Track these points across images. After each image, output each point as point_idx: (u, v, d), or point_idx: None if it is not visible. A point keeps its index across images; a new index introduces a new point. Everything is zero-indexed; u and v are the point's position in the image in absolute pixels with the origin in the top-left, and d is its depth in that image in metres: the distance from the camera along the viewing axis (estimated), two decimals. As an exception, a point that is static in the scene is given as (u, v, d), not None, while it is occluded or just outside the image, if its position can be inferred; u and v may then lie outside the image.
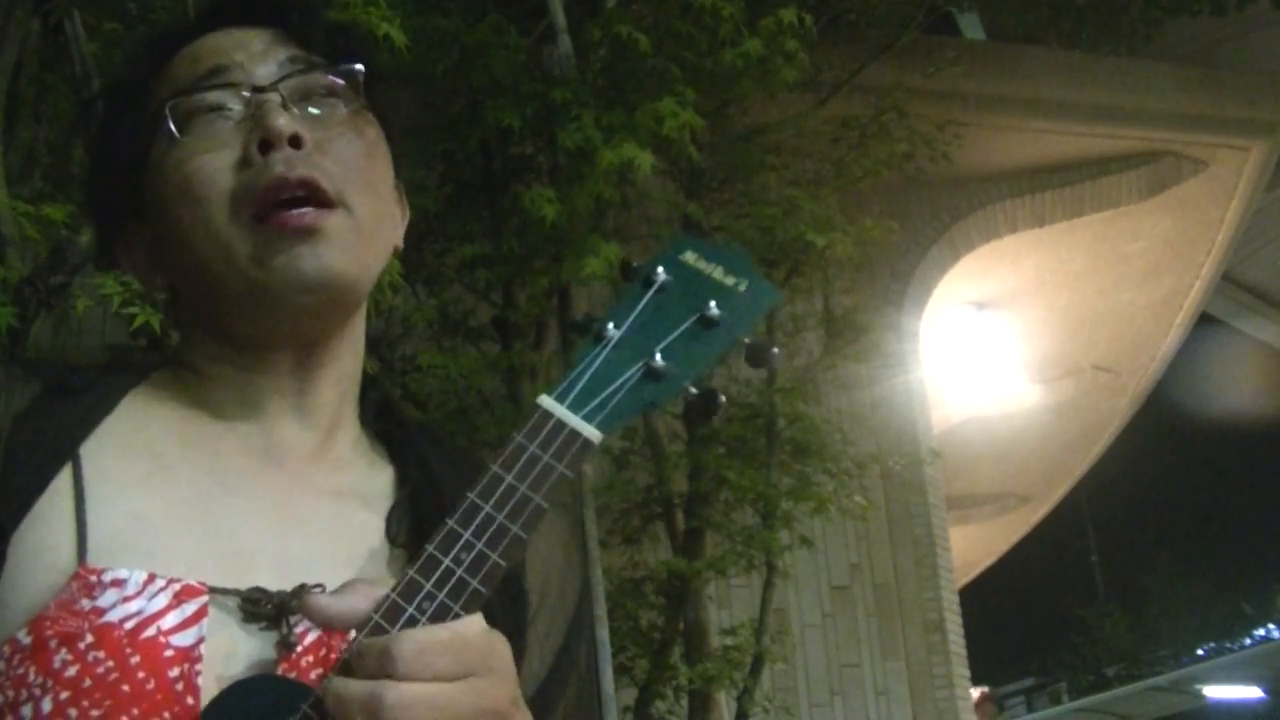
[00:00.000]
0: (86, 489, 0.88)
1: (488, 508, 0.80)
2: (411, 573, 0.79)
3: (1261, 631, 21.03)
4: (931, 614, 6.77)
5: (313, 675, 0.85)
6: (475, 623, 0.79)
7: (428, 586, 0.79)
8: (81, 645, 0.81)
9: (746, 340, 0.86)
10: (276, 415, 0.97)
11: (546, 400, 0.83)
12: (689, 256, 0.86)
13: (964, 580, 10.45)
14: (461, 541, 0.80)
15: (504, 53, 4.27)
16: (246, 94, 0.94)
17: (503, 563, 0.80)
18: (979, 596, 12.02)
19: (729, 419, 5.26)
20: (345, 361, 1.01)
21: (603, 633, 4.18)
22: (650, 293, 0.84)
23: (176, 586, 0.84)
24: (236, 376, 0.97)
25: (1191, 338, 10.05)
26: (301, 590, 0.87)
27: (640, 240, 5.24)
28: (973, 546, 11.52)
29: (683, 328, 0.83)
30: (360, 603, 0.80)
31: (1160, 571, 21.17)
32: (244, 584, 0.87)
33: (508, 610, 0.96)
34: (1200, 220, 8.34)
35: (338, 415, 1.00)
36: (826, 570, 6.64)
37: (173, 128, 0.94)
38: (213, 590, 0.85)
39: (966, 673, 6.90)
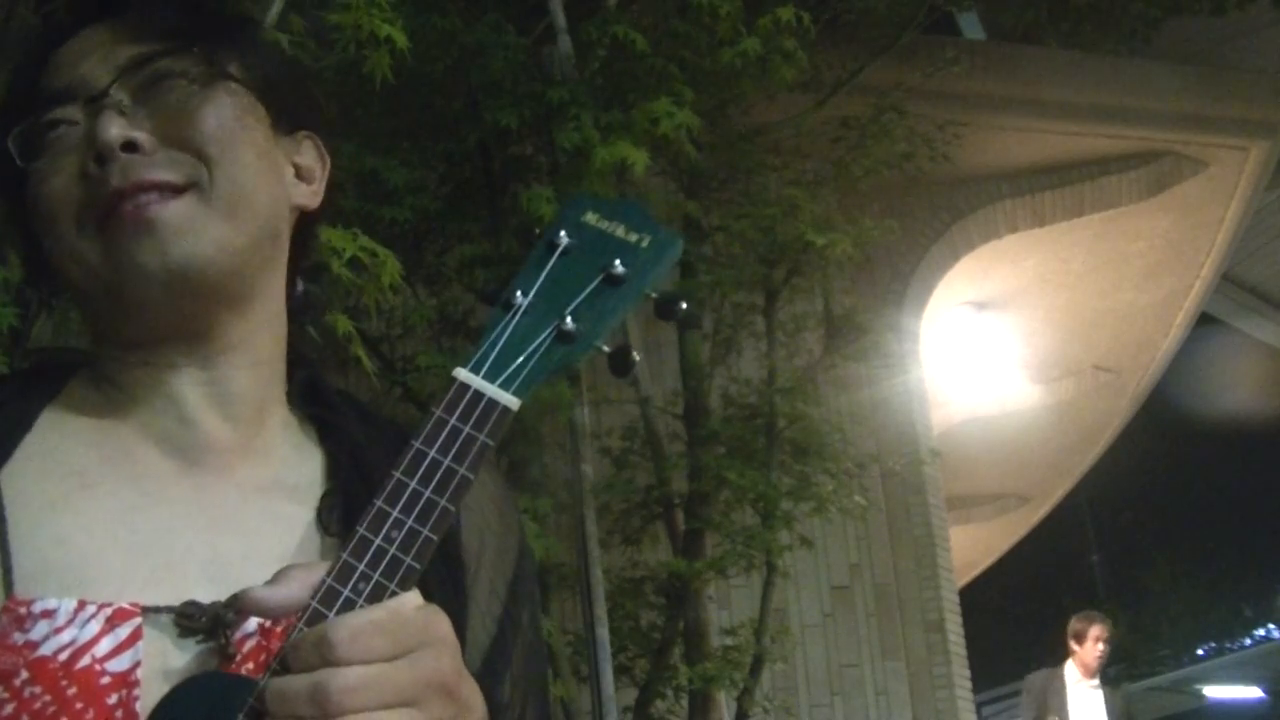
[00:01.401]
0: (8, 516, 0.86)
1: (414, 484, 0.80)
2: (344, 556, 0.79)
3: (1261, 632, 21.03)
4: (931, 614, 6.77)
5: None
6: (410, 599, 0.79)
7: (361, 567, 0.79)
8: (17, 682, 0.80)
9: (653, 295, 0.86)
10: (194, 410, 0.95)
11: (462, 373, 0.83)
12: (590, 217, 0.86)
13: (964, 580, 10.44)
14: (391, 519, 0.80)
15: (503, 53, 4.27)
16: (86, 102, 0.93)
17: (434, 537, 0.80)
18: (979, 596, 12.02)
19: (729, 419, 5.26)
20: (259, 346, 0.98)
21: (603, 633, 4.19)
22: (555, 256, 0.84)
23: (108, 611, 0.83)
24: (145, 375, 0.95)
25: (1191, 338, 10.05)
26: (235, 600, 0.86)
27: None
28: (973, 546, 11.51)
29: (590, 287, 0.83)
30: (296, 589, 0.80)
31: (1160, 571, 21.16)
32: (177, 597, 0.86)
33: (444, 580, 0.94)
34: (1200, 220, 8.34)
35: (261, 403, 0.98)
36: (826, 570, 6.64)
37: (17, 160, 0.93)
38: (145, 610, 0.84)
39: (966, 673, 6.90)
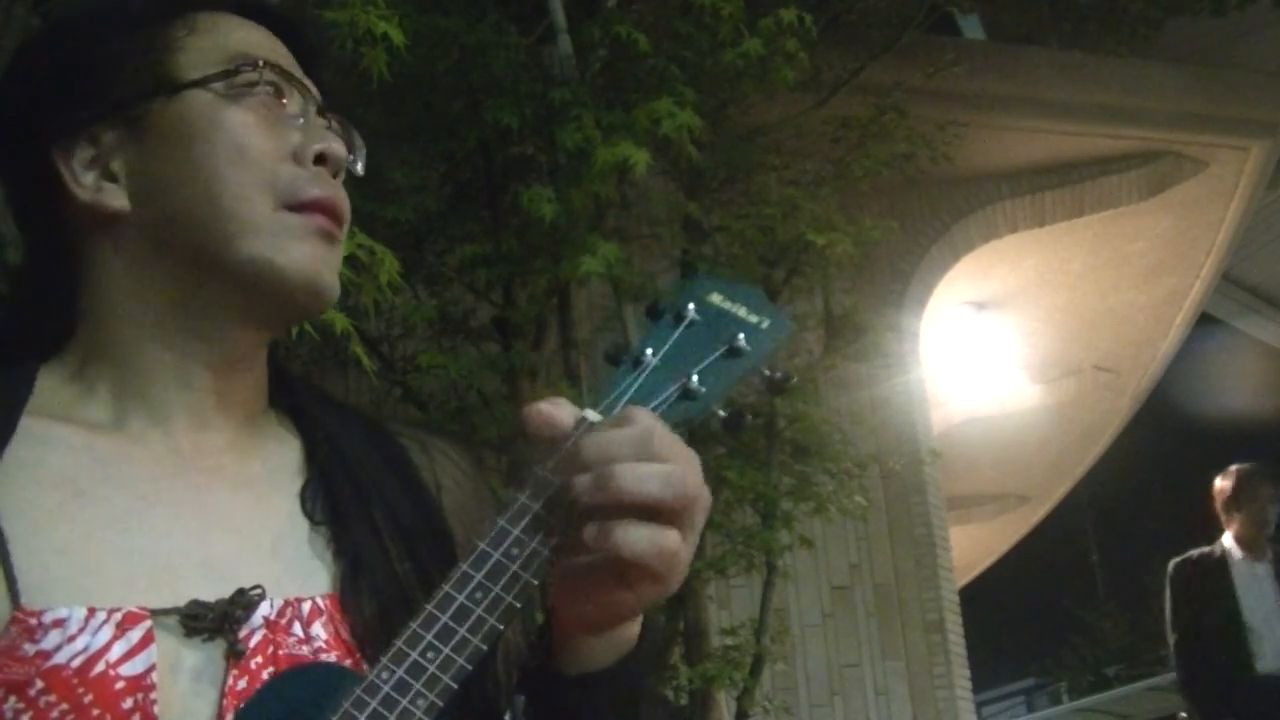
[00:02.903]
0: (5, 531, 0.85)
1: (537, 507, 0.86)
2: (464, 567, 0.84)
3: (1261, 631, 21.02)
4: (931, 614, 6.77)
5: (264, 675, 0.85)
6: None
7: (479, 578, 0.84)
8: (32, 692, 0.80)
9: (766, 372, 0.96)
10: (191, 413, 0.96)
11: (591, 414, 0.88)
12: (714, 297, 0.95)
13: (964, 580, 10.44)
14: (512, 538, 0.84)
15: (504, 53, 4.26)
16: (311, 101, 0.98)
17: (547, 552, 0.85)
18: (979, 596, 12.01)
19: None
20: (262, 359, 1.02)
21: (603, 633, 4.18)
22: (682, 326, 0.93)
23: (118, 615, 0.83)
24: (157, 360, 0.95)
25: (1191, 338, 10.05)
26: (239, 596, 0.87)
27: (640, 240, 5.24)
28: (973, 546, 11.51)
29: (714, 356, 0.92)
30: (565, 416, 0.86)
31: (1160, 571, 21.15)
32: (179, 598, 0.86)
33: (435, 553, 0.97)
34: (1200, 220, 8.34)
35: (251, 408, 1.01)
36: (826, 570, 6.64)
37: (243, 84, 0.94)
38: (154, 613, 0.85)
39: (966, 673, 6.90)
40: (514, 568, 0.83)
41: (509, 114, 4.20)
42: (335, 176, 0.96)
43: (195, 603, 0.86)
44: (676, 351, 0.91)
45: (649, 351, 0.91)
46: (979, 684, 7.46)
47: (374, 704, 0.78)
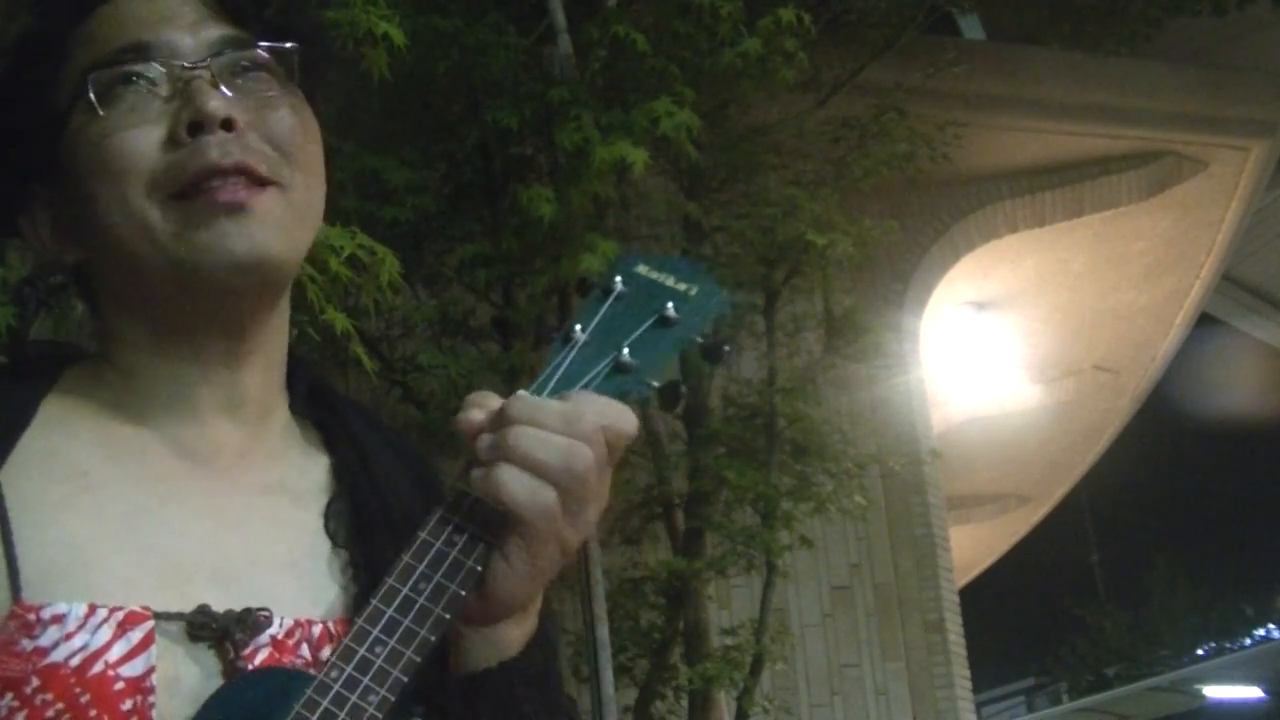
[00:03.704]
0: (11, 519, 0.84)
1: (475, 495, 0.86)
2: (406, 558, 0.84)
3: (1261, 631, 21.01)
4: (931, 614, 6.77)
5: None
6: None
7: (421, 567, 0.84)
8: (28, 690, 0.78)
9: (700, 339, 0.94)
10: (206, 410, 0.93)
11: (524, 394, 0.88)
12: (641, 269, 0.95)
13: (964, 580, 10.43)
14: (452, 525, 0.85)
15: (504, 53, 4.27)
16: (175, 69, 0.90)
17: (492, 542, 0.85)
18: (979, 596, 12.01)
19: (729, 419, 5.26)
20: (273, 348, 0.97)
21: (603, 633, 4.18)
22: (610, 299, 0.92)
23: (119, 615, 0.82)
24: (162, 367, 0.93)
25: (1191, 338, 10.05)
26: (247, 616, 0.85)
27: (640, 240, 5.24)
28: (973, 546, 11.50)
29: (644, 327, 0.91)
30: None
31: (1160, 571, 21.15)
32: (185, 600, 0.85)
33: (385, 547, 0.94)
34: (1200, 220, 8.34)
35: (268, 405, 0.97)
36: (826, 570, 6.64)
37: (94, 100, 0.88)
38: (157, 616, 0.83)
39: (966, 673, 6.89)
40: (454, 554, 0.83)
41: (508, 114, 4.21)
42: (228, 128, 0.88)
43: (202, 610, 0.84)
44: (606, 326, 0.91)
45: (578, 328, 0.91)
46: (979, 684, 7.46)
47: (325, 703, 0.77)
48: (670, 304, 0.92)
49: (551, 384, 0.89)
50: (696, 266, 0.96)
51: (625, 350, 0.89)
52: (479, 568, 0.84)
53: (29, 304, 1.03)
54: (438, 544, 0.84)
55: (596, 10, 4.51)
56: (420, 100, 4.56)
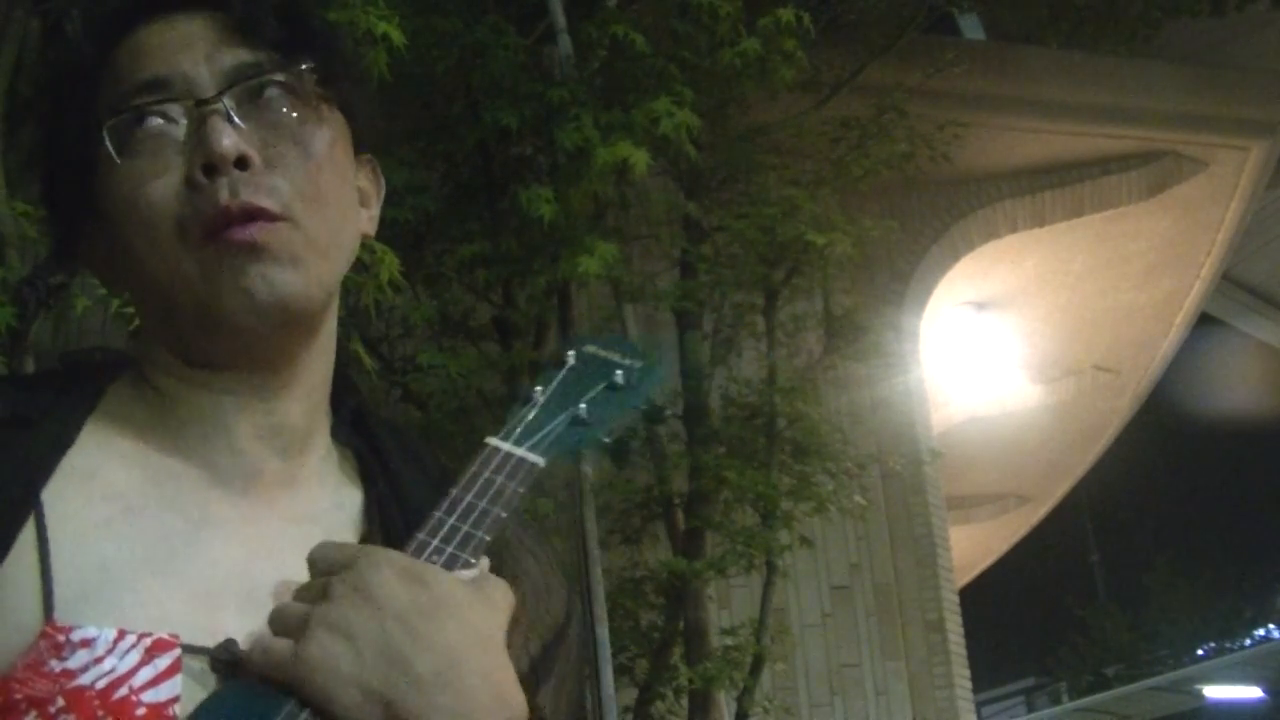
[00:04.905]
0: (50, 540, 0.84)
1: (452, 520, 0.90)
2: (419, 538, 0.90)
3: (1261, 631, 21.03)
4: (931, 614, 6.78)
5: None
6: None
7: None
8: (52, 709, 0.79)
9: (643, 408, 1.05)
10: (244, 440, 0.93)
11: (493, 440, 0.95)
12: (589, 348, 1.07)
13: (964, 580, 10.44)
14: (432, 547, 0.88)
15: (503, 53, 4.27)
16: (190, 107, 0.89)
17: (474, 561, 0.88)
18: (979, 596, 12.02)
19: (729, 419, 5.26)
20: (313, 377, 0.97)
21: (602, 632, 4.18)
22: (564, 370, 1.05)
23: (148, 641, 0.82)
24: (199, 397, 0.93)
25: (1191, 338, 10.06)
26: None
27: (640, 240, 5.25)
28: (973, 546, 11.51)
29: (596, 390, 1.03)
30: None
31: (1160, 571, 21.18)
32: (212, 629, 0.85)
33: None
34: (1200, 220, 8.34)
35: (307, 433, 0.97)
36: (826, 570, 6.64)
37: (112, 151, 0.89)
38: (184, 648, 0.83)
39: (966, 673, 6.90)
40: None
41: (508, 114, 4.21)
42: (242, 167, 0.88)
43: (226, 647, 0.84)
44: (564, 389, 1.03)
45: (538, 390, 1.02)
46: (979, 684, 7.47)
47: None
48: (619, 372, 1.04)
49: (515, 434, 0.97)
50: (640, 346, 1.08)
51: (582, 406, 1.00)
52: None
53: (29, 304, 1.04)
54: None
55: (596, 10, 4.51)
56: (420, 100, 4.56)
